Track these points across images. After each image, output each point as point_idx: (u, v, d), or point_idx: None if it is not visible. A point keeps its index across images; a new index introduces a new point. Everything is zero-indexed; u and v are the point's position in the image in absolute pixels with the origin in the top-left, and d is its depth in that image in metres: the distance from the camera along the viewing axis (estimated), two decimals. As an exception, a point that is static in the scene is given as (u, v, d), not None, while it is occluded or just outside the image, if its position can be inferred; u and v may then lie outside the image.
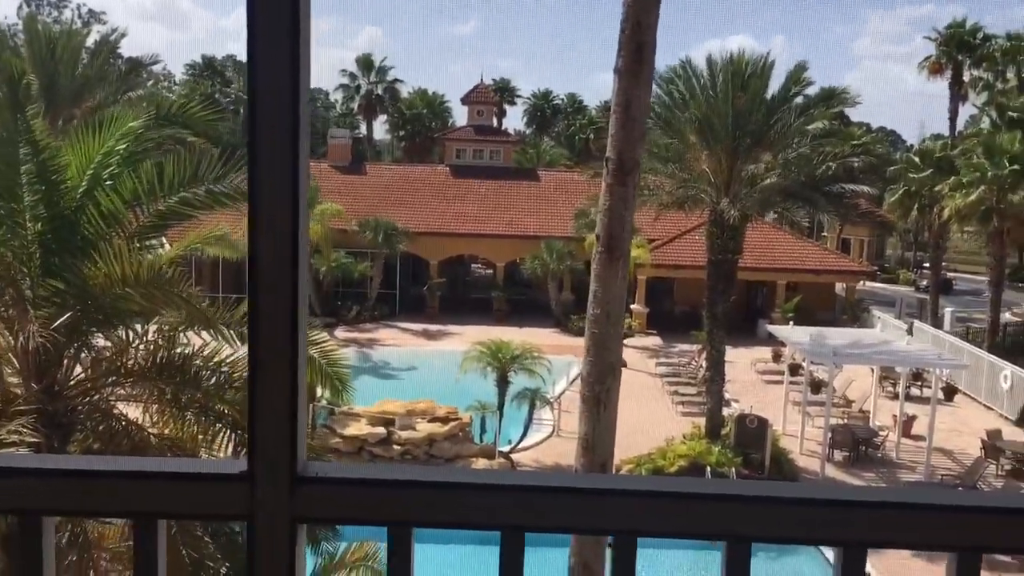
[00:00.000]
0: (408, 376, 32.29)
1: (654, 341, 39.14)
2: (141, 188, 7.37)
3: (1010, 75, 53.80)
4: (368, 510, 1.37)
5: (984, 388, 31.09)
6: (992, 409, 30.21)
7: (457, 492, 1.38)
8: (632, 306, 40.66)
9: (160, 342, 7.32)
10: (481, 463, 22.83)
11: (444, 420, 23.85)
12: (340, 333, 37.22)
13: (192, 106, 8.42)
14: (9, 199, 7.45)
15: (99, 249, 6.94)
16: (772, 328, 30.46)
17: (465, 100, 52.39)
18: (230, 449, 8.48)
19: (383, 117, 72.59)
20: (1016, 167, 34.62)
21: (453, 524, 1.40)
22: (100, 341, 8.21)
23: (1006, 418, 28.52)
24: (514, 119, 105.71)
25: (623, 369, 37.43)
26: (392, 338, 39.04)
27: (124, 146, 7.37)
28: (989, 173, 34.94)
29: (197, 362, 7.77)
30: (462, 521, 1.39)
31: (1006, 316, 41.51)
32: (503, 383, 24.80)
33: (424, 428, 23.47)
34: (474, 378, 25.42)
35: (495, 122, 53.31)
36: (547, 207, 45.32)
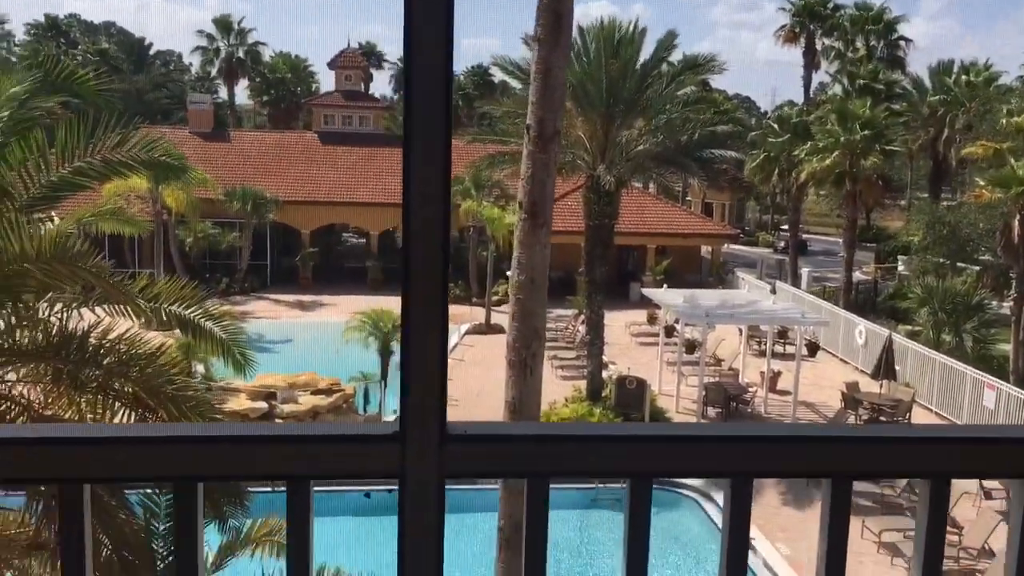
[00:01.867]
0: (285, 349, 31.60)
1: (530, 306, 39.56)
2: (31, 157, 6.89)
3: (859, 44, 56.61)
4: (508, 464, 1.51)
5: (841, 343, 32.90)
6: (848, 363, 32.01)
7: (589, 444, 1.51)
8: (508, 273, 40.95)
9: (54, 319, 6.91)
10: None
11: (327, 392, 23.55)
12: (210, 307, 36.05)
13: (83, 74, 7.87)
14: None
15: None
16: (647, 291, 31.33)
17: (332, 65, 51.22)
18: (130, 429, 8.12)
19: (244, 82, 70.26)
20: (867, 132, 36.52)
21: (585, 473, 1.52)
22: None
23: (862, 371, 30.26)
24: (381, 84, 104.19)
25: (501, 336, 37.67)
26: (265, 310, 38.10)
27: (8, 113, 6.86)
28: (843, 138, 36.71)
29: (92, 340, 7.39)
30: (593, 470, 1.52)
31: (856, 275, 43.94)
32: (386, 353, 24.65)
33: (307, 401, 23.11)
34: (355, 348, 25.15)
35: (363, 87, 52.35)
36: (420, 174, 44.92)
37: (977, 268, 37.78)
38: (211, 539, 9.04)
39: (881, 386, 27.41)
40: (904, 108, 49.20)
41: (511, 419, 10.33)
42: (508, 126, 28.18)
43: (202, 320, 8.04)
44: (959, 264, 38.66)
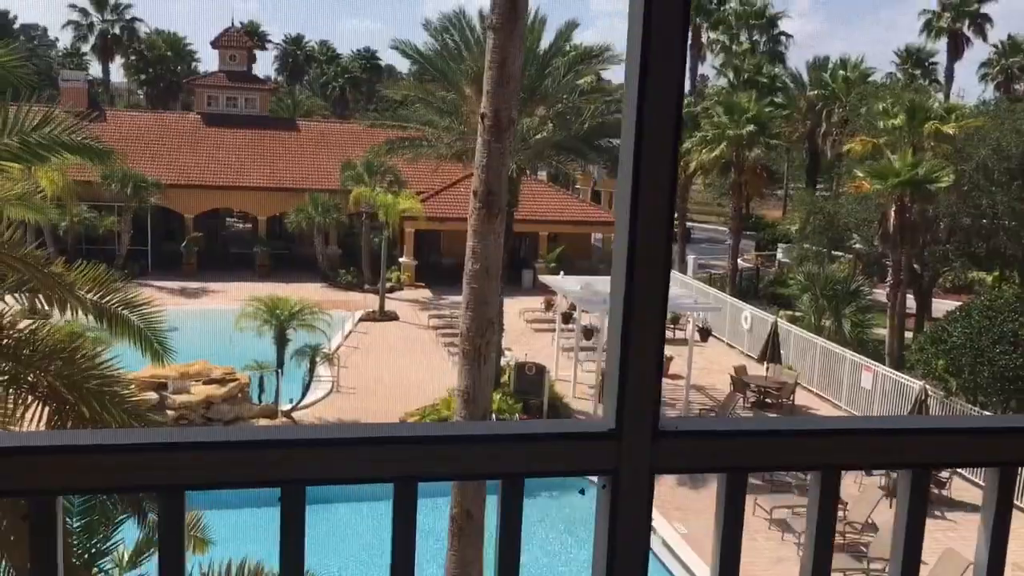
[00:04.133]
0: (172, 337, 30.43)
1: (424, 294, 39.36)
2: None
3: (743, 38, 58.35)
4: (714, 458, 1.54)
5: (728, 329, 33.92)
6: (735, 347, 33.06)
7: (782, 439, 1.56)
8: (400, 259, 40.62)
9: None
10: (263, 423, 22.10)
11: (221, 381, 22.84)
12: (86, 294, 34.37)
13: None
14: None
15: None
16: (545, 278, 31.56)
17: (215, 44, 49.51)
18: (43, 422, 7.67)
19: (118, 59, 67.14)
20: (752, 128, 37.64)
21: (781, 467, 1.62)
22: None
23: (748, 355, 31.30)
24: (264, 66, 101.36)
25: (395, 323, 37.22)
26: (147, 298, 36.62)
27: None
28: (730, 132, 37.73)
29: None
30: (787, 464, 1.62)
31: (739, 262, 45.35)
32: (281, 340, 24.05)
33: (200, 391, 22.37)
34: (248, 337, 24.45)
35: (247, 68, 50.71)
36: (309, 158, 44.00)
37: (850, 256, 39.56)
38: (128, 535, 8.63)
39: (767, 369, 28.43)
40: (785, 101, 50.99)
41: (465, 408, 10.28)
42: (410, 112, 27.86)
43: (120, 308, 7.64)
44: (834, 252, 40.39)
